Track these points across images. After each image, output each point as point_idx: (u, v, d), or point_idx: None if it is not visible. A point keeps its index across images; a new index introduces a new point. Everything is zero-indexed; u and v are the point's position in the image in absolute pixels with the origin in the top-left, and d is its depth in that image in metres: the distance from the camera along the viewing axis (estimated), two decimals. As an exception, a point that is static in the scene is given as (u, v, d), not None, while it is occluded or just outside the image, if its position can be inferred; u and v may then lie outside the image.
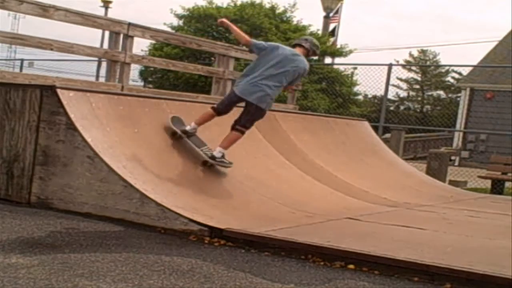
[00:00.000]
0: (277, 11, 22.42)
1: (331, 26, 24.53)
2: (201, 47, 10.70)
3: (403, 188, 9.17)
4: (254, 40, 6.85)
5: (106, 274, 3.95)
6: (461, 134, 22.75)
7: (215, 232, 5.25)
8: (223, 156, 6.57)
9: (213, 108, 6.79)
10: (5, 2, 7.11)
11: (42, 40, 7.66)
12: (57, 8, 7.57)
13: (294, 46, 6.96)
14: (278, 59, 6.54)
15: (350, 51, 23.43)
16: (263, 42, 6.86)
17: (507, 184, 12.43)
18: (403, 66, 33.47)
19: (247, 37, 6.80)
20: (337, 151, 9.51)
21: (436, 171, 12.08)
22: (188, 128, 6.72)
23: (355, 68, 21.44)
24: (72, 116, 5.97)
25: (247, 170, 7.20)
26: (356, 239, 5.33)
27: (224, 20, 6.98)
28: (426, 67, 39.71)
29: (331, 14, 23.90)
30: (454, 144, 23.23)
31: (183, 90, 14.31)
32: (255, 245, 5.02)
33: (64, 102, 6.03)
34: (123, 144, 6.16)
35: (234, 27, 6.98)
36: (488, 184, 12.48)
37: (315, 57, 7.13)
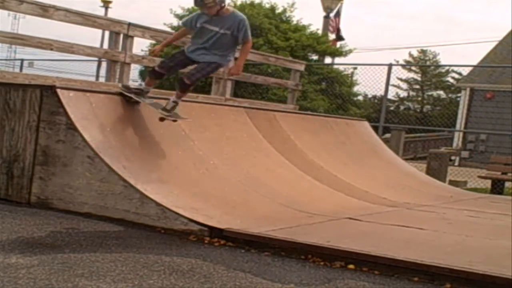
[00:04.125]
0: (277, 11, 22.43)
1: (333, 28, 24.39)
2: (201, 47, 10.67)
3: (403, 188, 9.17)
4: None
5: (106, 274, 3.95)
6: (461, 134, 22.76)
7: (215, 232, 5.25)
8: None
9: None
10: (5, 2, 7.11)
11: (42, 40, 7.65)
12: (57, 8, 7.56)
13: None
14: None
15: (350, 51, 23.46)
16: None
17: (507, 184, 12.43)
18: (403, 66, 33.48)
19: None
20: (337, 151, 9.50)
21: (436, 171, 12.08)
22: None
23: (355, 68, 21.46)
24: (72, 116, 5.97)
25: (247, 170, 7.20)
26: (356, 239, 5.33)
27: (155, 49, 7.15)
28: (426, 67, 39.71)
29: (331, 14, 23.84)
30: (454, 144, 23.24)
31: (183, 90, 14.26)
32: (255, 245, 5.02)
33: (64, 102, 6.03)
34: (123, 144, 6.16)
35: (165, 42, 7.31)
36: (488, 184, 12.49)
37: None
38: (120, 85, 6.92)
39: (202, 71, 6.64)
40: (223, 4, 6.42)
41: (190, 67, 6.80)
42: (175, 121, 6.64)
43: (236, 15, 6.56)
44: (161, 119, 6.57)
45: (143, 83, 7.11)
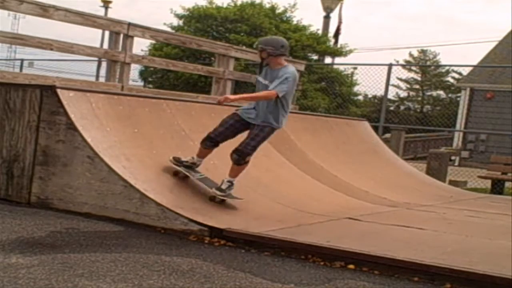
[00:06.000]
0: (277, 11, 22.42)
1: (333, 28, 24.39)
2: (201, 47, 10.70)
3: (403, 188, 9.17)
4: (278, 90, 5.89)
5: (106, 274, 3.95)
6: (461, 134, 22.75)
7: (215, 232, 5.25)
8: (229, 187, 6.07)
9: None
10: (5, 2, 7.11)
11: (42, 40, 7.66)
12: (57, 8, 7.57)
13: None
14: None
15: (350, 51, 23.41)
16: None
17: (507, 184, 12.43)
18: (403, 66, 33.46)
19: (268, 92, 5.89)
20: (337, 151, 9.51)
21: (436, 171, 12.08)
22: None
23: (355, 68, 21.44)
24: (72, 116, 5.98)
25: (247, 170, 7.19)
26: (356, 239, 5.33)
27: (228, 97, 6.09)
28: (426, 67, 39.71)
29: (331, 15, 23.82)
30: (454, 144, 23.22)
31: (183, 90, 14.30)
32: (255, 245, 5.02)
33: (64, 102, 6.03)
34: (123, 144, 6.16)
35: (245, 95, 6.33)
36: (488, 184, 12.48)
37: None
38: (171, 157, 6.14)
39: (256, 138, 6.02)
40: (272, 53, 5.84)
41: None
42: (223, 201, 6.03)
43: (286, 70, 5.92)
44: (212, 198, 5.99)
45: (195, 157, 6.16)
